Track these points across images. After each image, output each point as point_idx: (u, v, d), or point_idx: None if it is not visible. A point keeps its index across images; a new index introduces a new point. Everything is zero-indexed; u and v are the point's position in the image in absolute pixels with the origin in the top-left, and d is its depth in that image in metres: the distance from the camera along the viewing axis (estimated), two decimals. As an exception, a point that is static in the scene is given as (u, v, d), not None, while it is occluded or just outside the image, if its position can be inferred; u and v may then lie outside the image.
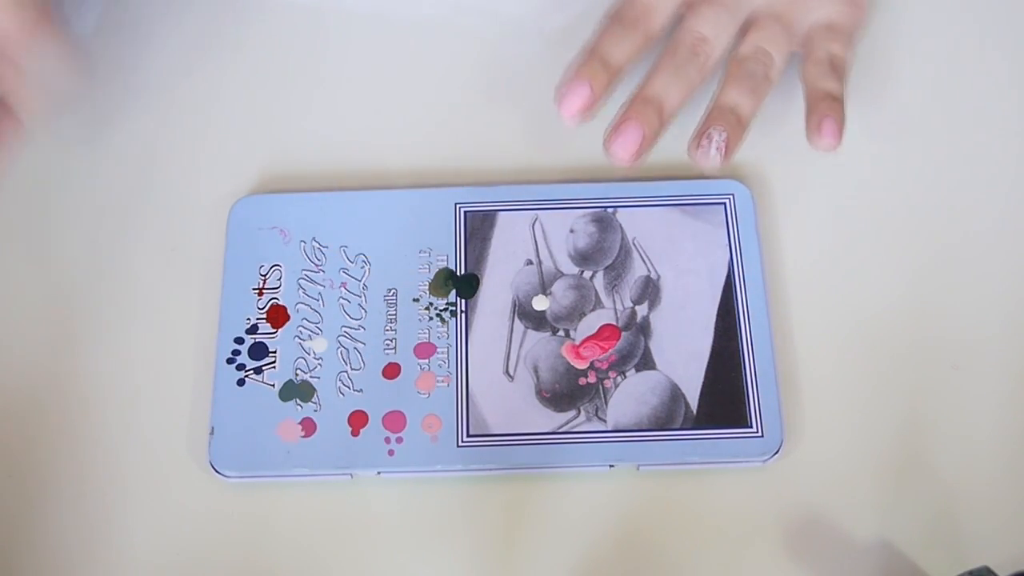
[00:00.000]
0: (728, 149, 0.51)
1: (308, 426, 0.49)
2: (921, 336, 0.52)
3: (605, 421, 0.49)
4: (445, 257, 0.52)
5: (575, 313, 0.51)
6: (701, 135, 0.51)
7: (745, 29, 0.54)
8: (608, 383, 0.50)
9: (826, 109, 0.52)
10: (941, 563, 0.47)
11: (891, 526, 0.48)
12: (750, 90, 0.52)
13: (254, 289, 0.52)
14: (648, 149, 0.51)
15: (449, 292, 0.51)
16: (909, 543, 0.48)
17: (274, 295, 0.52)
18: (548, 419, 0.49)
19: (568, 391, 0.49)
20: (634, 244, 0.52)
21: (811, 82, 0.53)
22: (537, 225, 0.53)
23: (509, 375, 0.50)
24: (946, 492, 0.49)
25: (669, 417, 0.49)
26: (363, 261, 0.52)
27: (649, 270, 0.52)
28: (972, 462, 0.49)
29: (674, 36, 0.53)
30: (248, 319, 0.51)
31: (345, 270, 0.52)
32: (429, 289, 0.52)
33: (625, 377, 0.50)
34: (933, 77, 0.57)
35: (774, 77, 0.53)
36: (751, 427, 0.48)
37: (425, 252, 0.52)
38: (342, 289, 0.52)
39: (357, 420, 0.49)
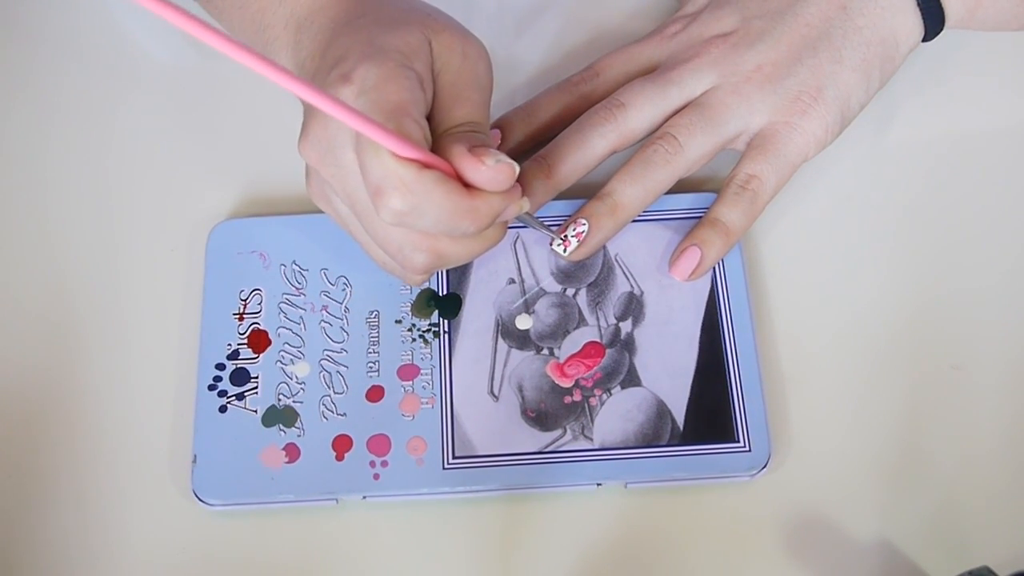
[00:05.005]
0: (588, 240, 0.51)
1: (292, 452, 0.48)
2: (920, 337, 0.52)
3: (591, 439, 0.48)
4: (427, 277, 0.52)
5: (559, 331, 0.51)
6: (566, 225, 0.51)
7: None
8: (594, 401, 0.49)
9: (699, 238, 0.51)
10: (941, 563, 0.47)
11: (891, 527, 0.48)
12: (637, 178, 0.51)
13: (234, 314, 0.51)
14: (534, 205, 0.51)
15: (432, 313, 0.51)
16: (909, 543, 0.48)
17: (255, 320, 0.51)
18: (534, 439, 0.48)
19: (554, 410, 0.49)
20: (616, 260, 0.52)
21: (716, 201, 0.52)
22: (519, 244, 0.53)
23: (494, 395, 0.49)
24: (946, 492, 0.49)
25: (656, 434, 0.48)
26: (344, 283, 0.52)
27: (632, 286, 0.52)
28: (972, 462, 0.49)
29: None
30: (229, 345, 0.51)
31: (326, 293, 0.52)
32: (411, 310, 0.51)
33: (611, 394, 0.49)
34: (925, 73, 0.57)
35: (679, 164, 0.51)
36: (738, 442, 0.48)
37: (406, 273, 0.52)
38: (323, 312, 0.51)
39: (341, 444, 0.48)
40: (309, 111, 0.45)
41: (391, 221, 0.43)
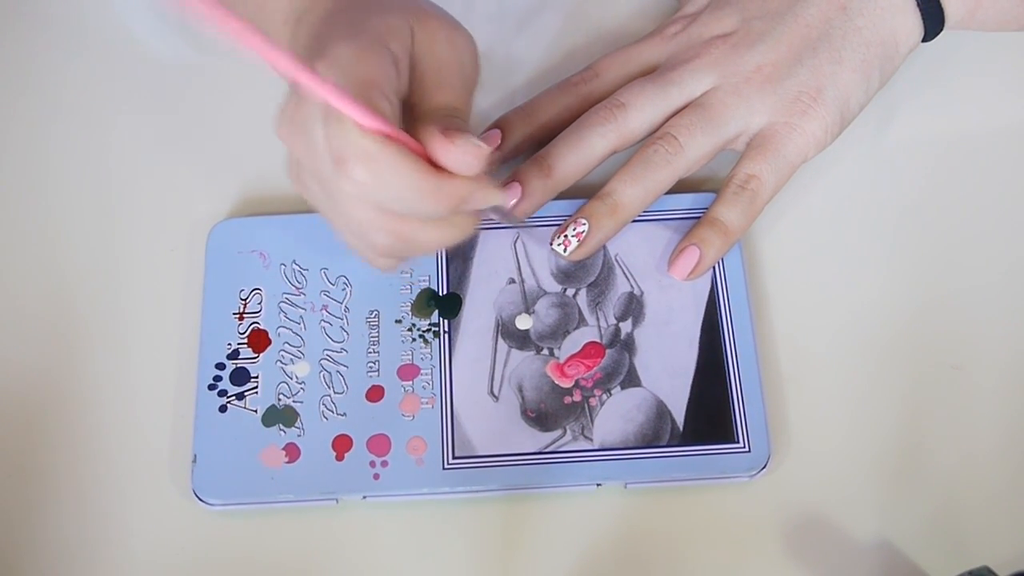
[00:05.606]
0: (588, 240, 0.51)
1: (292, 451, 0.48)
2: (920, 337, 0.52)
3: (591, 439, 0.48)
4: (427, 277, 0.52)
5: (559, 331, 0.51)
6: (566, 225, 0.51)
7: None
8: (594, 401, 0.49)
9: (698, 238, 0.51)
10: (941, 563, 0.47)
11: (891, 527, 0.48)
12: (637, 178, 0.51)
13: (234, 314, 0.51)
14: (529, 209, 0.51)
15: (432, 313, 0.51)
16: (909, 543, 0.48)
17: (255, 319, 0.51)
18: (534, 439, 0.48)
19: (554, 410, 0.49)
20: (616, 260, 0.52)
21: (715, 201, 0.52)
22: (519, 243, 0.53)
23: (494, 395, 0.49)
24: (946, 492, 0.49)
25: (655, 434, 0.48)
26: (344, 283, 0.52)
27: (632, 286, 0.52)
28: (972, 462, 0.49)
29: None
30: (229, 344, 0.51)
31: (326, 292, 0.52)
32: (411, 310, 0.51)
33: (610, 395, 0.49)
34: (924, 73, 0.57)
35: (679, 164, 0.51)
36: (738, 442, 0.48)
37: (406, 273, 0.52)
38: (323, 312, 0.51)
39: (341, 444, 0.48)
40: (288, 94, 0.45)
41: (352, 192, 0.42)
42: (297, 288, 0.52)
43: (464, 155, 0.42)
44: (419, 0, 0.47)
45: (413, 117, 0.44)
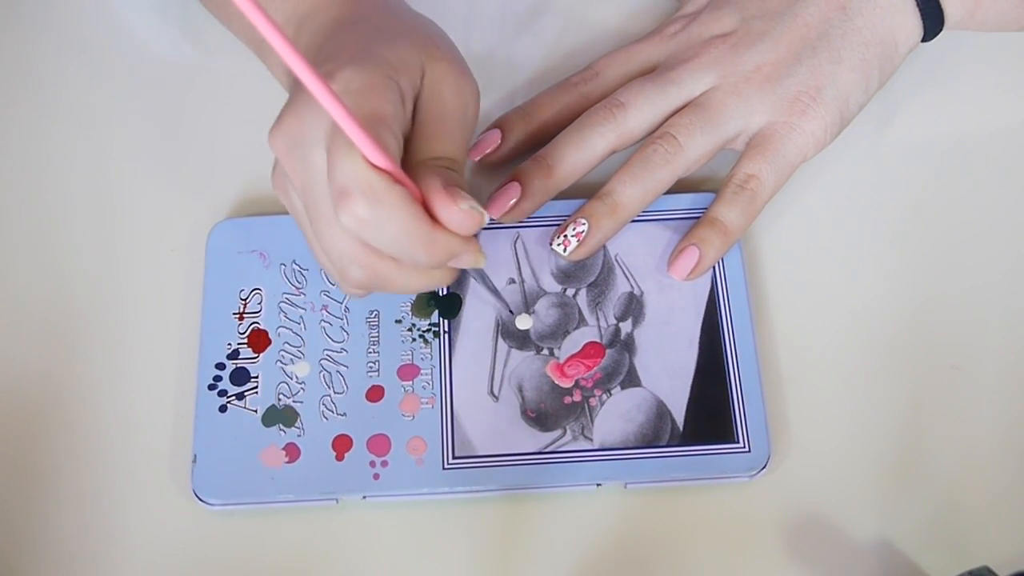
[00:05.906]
0: (587, 240, 0.51)
1: (292, 451, 0.48)
2: (920, 337, 0.52)
3: (591, 440, 0.48)
4: (427, 277, 0.52)
5: (559, 331, 0.51)
6: (566, 225, 0.51)
7: None
8: (594, 401, 0.49)
9: (698, 237, 0.51)
10: (941, 563, 0.47)
11: (891, 527, 0.48)
12: (637, 177, 0.51)
13: (234, 314, 0.51)
14: (529, 208, 0.51)
15: (431, 313, 0.51)
16: (909, 543, 0.48)
17: (255, 319, 0.51)
18: (534, 439, 0.48)
19: (554, 410, 0.49)
20: (616, 260, 0.52)
21: (715, 200, 0.52)
22: (519, 243, 0.53)
23: (494, 395, 0.49)
24: (946, 492, 0.49)
25: (655, 434, 0.48)
26: (344, 283, 0.52)
27: (632, 286, 0.52)
28: (972, 462, 0.49)
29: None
30: (229, 344, 0.51)
31: (326, 292, 0.52)
32: (411, 310, 0.51)
33: (610, 395, 0.49)
34: (925, 73, 0.57)
35: (678, 164, 0.51)
36: (738, 442, 0.48)
37: (407, 273, 0.52)
38: (323, 312, 0.51)
39: (341, 444, 0.49)
40: (288, 103, 0.45)
41: (350, 226, 0.42)
42: (297, 288, 0.52)
43: (464, 218, 0.42)
44: (436, 34, 0.47)
45: (409, 159, 0.44)
